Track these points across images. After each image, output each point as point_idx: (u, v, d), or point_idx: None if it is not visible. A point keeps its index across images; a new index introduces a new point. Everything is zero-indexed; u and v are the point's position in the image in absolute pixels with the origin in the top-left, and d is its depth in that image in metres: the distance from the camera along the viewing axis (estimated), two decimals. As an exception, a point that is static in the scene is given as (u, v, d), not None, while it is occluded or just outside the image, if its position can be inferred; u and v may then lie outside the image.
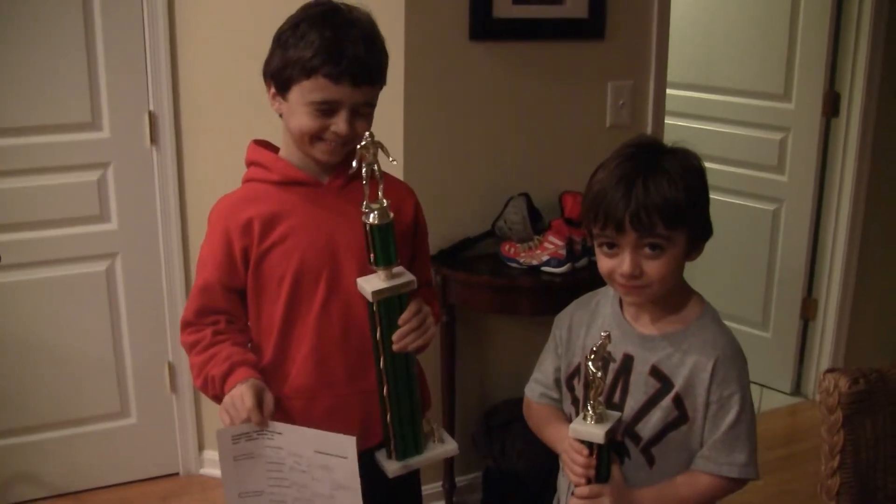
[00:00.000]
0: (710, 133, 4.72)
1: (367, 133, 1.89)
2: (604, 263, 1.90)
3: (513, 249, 3.22)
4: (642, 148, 1.91)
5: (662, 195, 1.79)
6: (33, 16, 3.25)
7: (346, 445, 1.92)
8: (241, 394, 1.96)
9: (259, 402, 1.95)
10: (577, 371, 2.06)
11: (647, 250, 1.83)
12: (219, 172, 3.19)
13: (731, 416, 1.90)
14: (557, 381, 2.13)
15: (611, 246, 1.87)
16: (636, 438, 1.94)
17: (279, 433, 1.96)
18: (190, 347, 2.12)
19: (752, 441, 1.93)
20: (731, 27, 4.61)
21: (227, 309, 2.14)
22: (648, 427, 1.92)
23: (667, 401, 1.91)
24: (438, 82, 3.24)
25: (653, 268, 1.85)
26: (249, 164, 2.20)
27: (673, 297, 1.95)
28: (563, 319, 2.14)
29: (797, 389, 4.69)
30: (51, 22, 3.28)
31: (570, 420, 2.05)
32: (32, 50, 3.28)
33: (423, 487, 2.55)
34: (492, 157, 3.38)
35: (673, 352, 1.92)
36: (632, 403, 1.95)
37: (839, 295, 4.46)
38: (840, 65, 4.27)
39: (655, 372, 1.93)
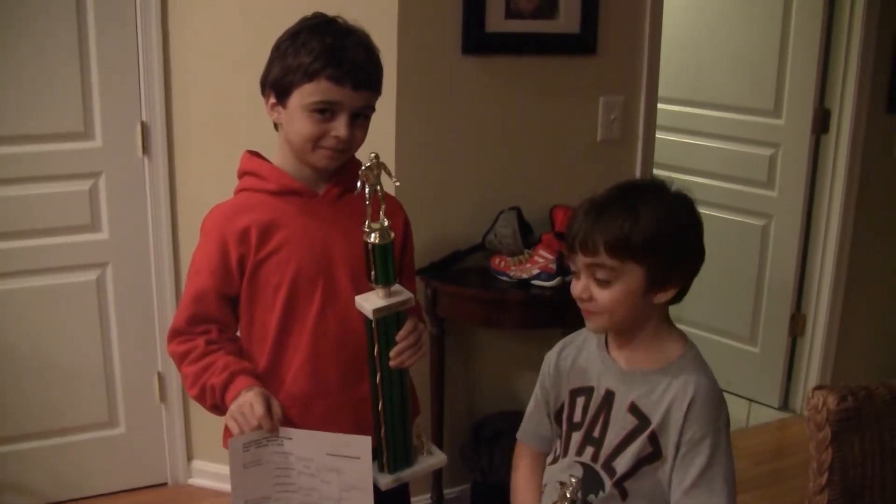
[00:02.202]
0: (701, 148, 4.74)
1: (372, 154, 1.92)
2: (572, 287, 1.96)
3: (503, 263, 3.22)
4: (630, 186, 1.96)
5: (611, 225, 1.83)
6: (27, 25, 3.25)
7: (360, 446, 1.96)
8: (249, 402, 1.97)
9: (268, 408, 1.97)
10: (563, 406, 2.10)
11: (598, 277, 1.87)
12: (210, 183, 3.20)
13: (700, 459, 1.87)
14: (548, 416, 2.16)
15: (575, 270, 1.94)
16: (611, 472, 1.94)
17: (289, 438, 1.99)
18: (181, 357, 2.12)
19: (730, 487, 1.89)
20: (723, 43, 4.63)
21: (219, 317, 2.15)
22: (624, 461, 1.93)
23: (643, 437, 1.91)
24: (431, 96, 3.25)
25: (602, 296, 1.88)
26: (243, 174, 2.21)
27: (656, 336, 1.97)
28: (550, 357, 2.17)
29: (785, 404, 4.70)
30: (45, 31, 3.28)
31: (554, 459, 2.10)
32: (26, 59, 3.28)
33: (412, 500, 2.55)
34: (483, 171, 3.39)
35: (651, 389, 1.92)
36: (611, 437, 1.96)
37: (827, 311, 4.48)
38: (830, 82, 4.30)
39: (634, 409, 1.94)
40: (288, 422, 2.04)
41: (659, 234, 1.83)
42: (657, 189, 1.92)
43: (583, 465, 1.99)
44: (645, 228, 1.82)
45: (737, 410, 4.59)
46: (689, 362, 1.94)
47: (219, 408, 2.07)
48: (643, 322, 1.95)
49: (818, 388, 2.11)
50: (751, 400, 4.73)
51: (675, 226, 1.86)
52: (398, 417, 2.07)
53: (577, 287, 1.92)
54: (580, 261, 1.89)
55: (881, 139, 4.37)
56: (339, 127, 2.04)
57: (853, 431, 2.08)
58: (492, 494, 3.37)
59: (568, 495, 1.86)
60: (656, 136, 3.78)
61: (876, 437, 2.12)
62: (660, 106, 3.78)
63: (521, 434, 2.25)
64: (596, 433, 1.98)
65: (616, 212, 1.85)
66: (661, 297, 1.90)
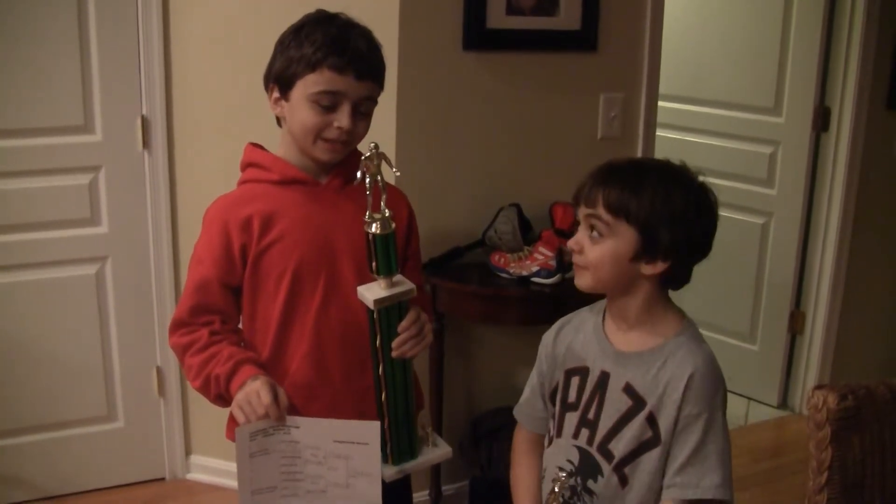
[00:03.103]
0: (701, 146, 4.74)
1: (371, 144, 1.93)
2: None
3: (503, 259, 3.22)
4: (653, 162, 1.99)
5: (614, 188, 1.86)
6: (28, 18, 3.25)
7: (369, 432, 1.97)
8: (255, 390, 1.97)
9: (275, 397, 1.97)
10: (558, 386, 2.10)
11: (593, 233, 1.90)
12: (210, 177, 3.20)
13: (695, 436, 1.86)
14: (543, 398, 2.16)
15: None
16: (608, 456, 1.94)
17: (296, 427, 1.99)
18: (184, 348, 2.12)
19: (725, 464, 1.89)
20: (723, 40, 4.63)
21: (222, 308, 2.15)
22: (621, 445, 1.93)
23: (639, 419, 1.91)
24: (431, 92, 3.25)
25: (592, 251, 1.91)
26: (246, 165, 2.22)
27: (650, 312, 1.96)
28: (547, 338, 2.17)
29: (784, 402, 4.71)
30: (45, 24, 3.27)
31: (549, 441, 2.11)
32: (26, 52, 3.27)
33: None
34: (483, 167, 3.39)
35: (647, 370, 1.92)
36: (605, 420, 1.96)
37: (827, 309, 4.48)
38: (830, 80, 4.29)
39: (629, 390, 1.93)
40: (292, 411, 2.04)
41: (656, 210, 1.84)
42: (678, 175, 1.92)
43: (579, 448, 2.00)
44: (644, 199, 1.84)
45: (735, 408, 4.59)
46: (685, 341, 1.94)
47: (223, 398, 2.07)
48: (631, 292, 1.95)
49: (818, 387, 2.11)
50: (749, 398, 4.73)
51: (674, 209, 1.85)
52: (401, 408, 2.07)
53: (573, 238, 1.95)
54: (581, 212, 1.93)
55: (881, 137, 4.37)
56: (342, 117, 2.05)
57: (853, 430, 2.08)
58: (490, 490, 3.37)
59: (556, 490, 1.89)
60: (657, 133, 3.77)
61: (876, 436, 2.12)
62: (660, 103, 3.78)
63: (518, 415, 2.26)
64: (591, 415, 1.99)
65: (624, 177, 1.88)
66: (649, 270, 1.89)
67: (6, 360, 3.50)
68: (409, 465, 2.13)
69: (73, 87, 3.36)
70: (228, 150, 2.39)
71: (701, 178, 1.93)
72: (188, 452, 3.83)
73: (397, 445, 2.10)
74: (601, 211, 1.87)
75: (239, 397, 2.00)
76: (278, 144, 2.20)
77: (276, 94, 2.12)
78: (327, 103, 2.04)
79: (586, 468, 1.97)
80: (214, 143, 3.43)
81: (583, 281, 1.96)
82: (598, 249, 1.90)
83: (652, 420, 1.90)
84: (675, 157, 1.98)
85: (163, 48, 3.41)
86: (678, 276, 1.95)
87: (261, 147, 2.23)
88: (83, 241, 3.52)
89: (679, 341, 1.94)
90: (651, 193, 1.84)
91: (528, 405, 2.22)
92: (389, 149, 3.17)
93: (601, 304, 2.08)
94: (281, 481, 2.02)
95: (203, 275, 2.14)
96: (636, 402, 1.92)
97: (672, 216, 1.85)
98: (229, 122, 3.35)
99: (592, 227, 1.90)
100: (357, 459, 1.98)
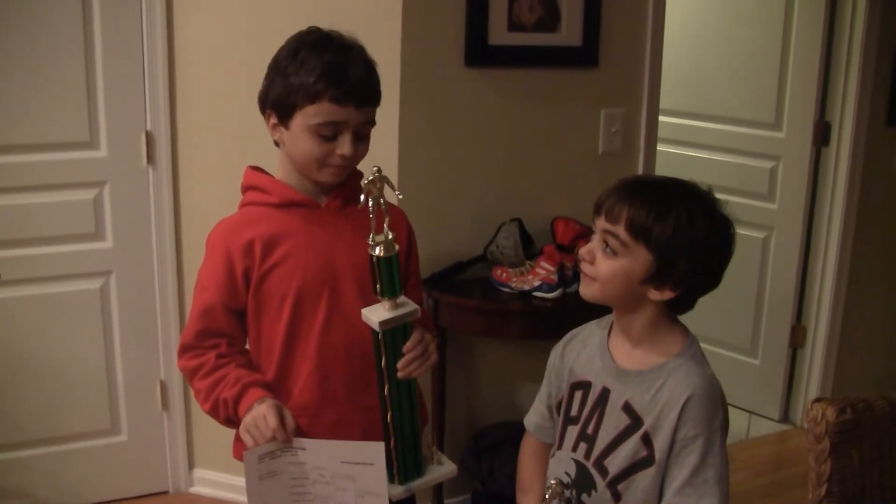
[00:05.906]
0: (702, 160, 4.75)
1: (374, 168, 1.92)
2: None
3: (504, 274, 3.23)
4: (680, 185, 1.94)
5: (640, 208, 1.85)
6: (32, 34, 3.27)
7: (373, 452, 1.97)
8: (262, 414, 1.98)
9: (281, 420, 1.98)
10: (563, 399, 2.11)
11: (607, 248, 1.89)
12: (214, 193, 3.22)
13: (692, 458, 1.85)
14: (550, 409, 2.17)
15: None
16: (604, 472, 1.95)
17: (303, 448, 2.00)
18: (192, 372, 2.13)
19: (723, 488, 1.87)
20: (724, 56, 4.64)
21: (228, 331, 2.16)
22: (616, 462, 1.93)
23: (636, 437, 1.91)
24: (433, 108, 3.27)
25: (603, 264, 1.90)
26: (246, 188, 2.23)
27: (655, 329, 1.97)
28: (556, 349, 2.18)
29: (785, 416, 4.71)
30: (50, 40, 3.29)
31: (553, 453, 2.12)
32: (31, 68, 3.29)
33: (414, 510, 2.56)
34: (485, 183, 3.41)
35: (647, 389, 1.92)
36: (604, 436, 1.97)
37: (828, 323, 4.48)
38: (831, 95, 4.31)
39: (627, 408, 1.93)
40: (298, 431, 2.05)
41: (677, 239, 1.83)
42: (704, 204, 1.90)
43: (576, 462, 2.01)
44: (667, 226, 1.83)
45: (737, 422, 4.58)
46: (686, 360, 1.93)
47: (232, 421, 2.08)
48: (637, 310, 1.95)
49: (817, 400, 2.12)
50: (751, 412, 4.73)
51: (695, 240, 1.85)
52: (408, 428, 2.08)
53: (586, 247, 1.94)
54: (599, 224, 1.91)
55: (881, 152, 4.38)
56: (344, 145, 2.06)
57: (852, 443, 2.10)
58: (492, 504, 3.38)
59: (546, 497, 1.92)
60: (657, 148, 3.79)
61: (875, 448, 2.13)
62: (661, 118, 3.79)
63: (527, 423, 2.26)
64: (590, 430, 1.99)
65: (651, 198, 1.86)
66: (656, 295, 1.89)
67: (10, 373, 3.50)
68: (416, 484, 2.13)
69: (78, 102, 3.38)
70: (232, 166, 2.41)
71: (724, 209, 1.93)
72: (191, 466, 3.84)
73: (403, 465, 2.09)
74: (621, 230, 1.86)
75: (246, 421, 2.01)
76: (277, 166, 2.21)
77: (273, 121, 2.13)
78: (329, 134, 2.05)
79: (581, 482, 1.98)
80: (218, 158, 3.44)
81: (589, 291, 1.96)
82: (610, 264, 1.89)
83: (647, 440, 1.90)
84: (704, 183, 1.97)
85: (167, 64, 3.43)
86: (683, 303, 1.95)
87: (260, 170, 2.23)
88: (88, 256, 3.53)
89: (679, 361, 1.93)
90: (675, 221, 1.83)
91: (536, 414, 2.23)
92: (392, 165, 3.19)
93: (609, 318, 2.09)
94: (290, 502, 2.03)
95: (208, 300, 2.15)
96: (634, 420, 1.92)
97: (691, 247, 1.85)
98: (233, 137, 3.37)
99: (607, 243, 1.90)
100: (364, 480, 1.99)
